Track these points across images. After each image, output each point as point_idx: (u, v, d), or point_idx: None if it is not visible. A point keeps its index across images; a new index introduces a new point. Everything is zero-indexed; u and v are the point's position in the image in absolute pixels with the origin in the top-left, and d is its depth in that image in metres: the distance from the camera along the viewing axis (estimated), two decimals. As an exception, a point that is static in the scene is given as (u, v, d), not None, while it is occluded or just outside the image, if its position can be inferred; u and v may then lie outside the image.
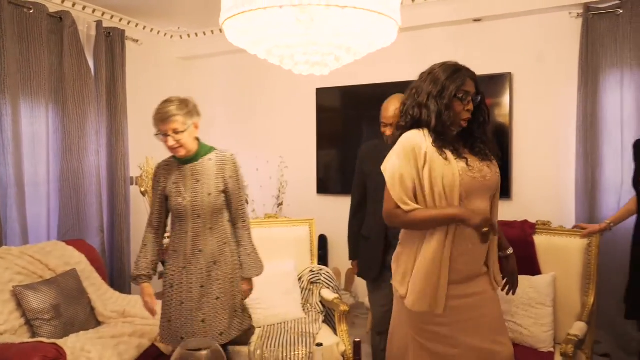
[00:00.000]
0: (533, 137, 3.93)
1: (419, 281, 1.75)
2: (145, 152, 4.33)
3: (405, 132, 1.84)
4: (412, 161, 1.76)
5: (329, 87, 4.54)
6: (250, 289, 2.51)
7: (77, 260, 3.03)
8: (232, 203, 2.46)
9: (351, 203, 2.94)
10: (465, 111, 1.84)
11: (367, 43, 1.71)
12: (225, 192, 2.44)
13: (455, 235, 1.75)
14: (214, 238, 2.41)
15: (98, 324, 2.89)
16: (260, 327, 2.90)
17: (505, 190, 3.96)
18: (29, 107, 3.71)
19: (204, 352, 1.37)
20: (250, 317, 2.51)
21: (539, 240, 2.73)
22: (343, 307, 2.82)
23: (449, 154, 1.79)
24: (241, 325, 2.43)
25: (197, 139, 2.50)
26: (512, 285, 1.95)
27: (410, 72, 4.14)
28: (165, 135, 2.36)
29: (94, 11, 4.29)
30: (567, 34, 3.72)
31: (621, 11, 3.53)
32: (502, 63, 3.96)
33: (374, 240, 2.68)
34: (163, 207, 2.52)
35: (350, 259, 2.99)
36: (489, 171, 1.86)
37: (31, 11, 3.69)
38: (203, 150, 2.49)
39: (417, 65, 4.20)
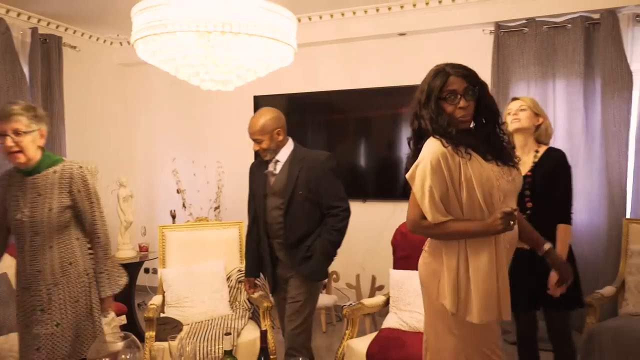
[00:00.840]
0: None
1: (482, 293, 1.69)
2: (84, 156, 4.38)
3: (419, 144, 1.81)
4: (441, 173, 1.71)
5: (268, 94, 4.71)
6: (109, 307, 2.35)
7: (9, 264, 3.08)
8: (83, 220, 2.26)
9: (248, 221, 2.91)
10: (458, 109, 1.76)
11: (265, 65, 1.90)
12: (73, 207, 2.23)
13: (501, 241, 1.73)
14: (55, 257, 2.19)
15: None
16: (188, 324, 3.04)
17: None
18: (-40, 113, 3.71)
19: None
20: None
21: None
22: (266, 304, 3.00)
23: (477, 157, 1.75)
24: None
25: (42, 149, 2.24)
26: (562, 279, 1.96)
27: (345, 80, 4.45)
28: (4, 135, 2.09)
29: (29, 18, 4.31)
30: (481, 48, 4.04)
31: (527, 29, 3.88)
32: (424, 74, 4.23)
33: (265, 254, 2.73)
34: (2, 221, 2.28)
35: (245, 276, 2.95)
36: (516, 173, 1.82)
37: (-38, 17, 3.71)
38: (47, 161, 2.23)
39: (351, 74, 4.51)
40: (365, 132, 4.61)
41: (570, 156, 3.25)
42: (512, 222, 1.65)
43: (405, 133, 4.36)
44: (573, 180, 2.61)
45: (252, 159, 4.80)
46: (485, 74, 3.97)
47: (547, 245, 1.93)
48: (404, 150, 4.38)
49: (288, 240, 2.61)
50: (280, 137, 2.66)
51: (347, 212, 2.65)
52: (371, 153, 4.59)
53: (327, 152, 2.77)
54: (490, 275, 1.69)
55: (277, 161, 2.68)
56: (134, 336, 1.91)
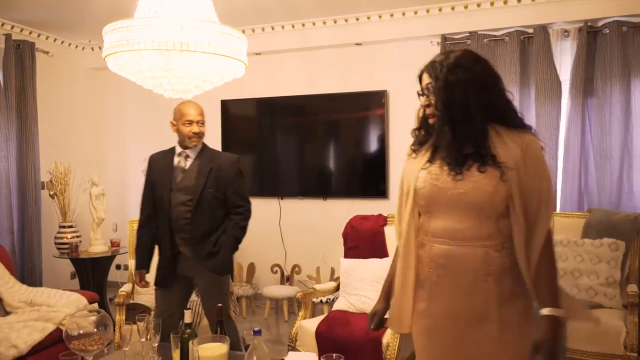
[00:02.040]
0: (405, 143, 4.58)
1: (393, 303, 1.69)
2: (57, 156, 4.60)
3: None
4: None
5: (236, 98, 4.99)
6: None
7: (-13, 262, 3.32)
8: None
9: (141, 214, 2.92)
10: (423, 107, 1.66)
11: (220, 76, 2.20)
12: None
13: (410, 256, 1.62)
14: None
15: (7, 313, 3.18)
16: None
17: (382, 191, 4.61)
18: (-63, 115, 3.91)
19: None
20: None
21: (389, 230, 3.34)
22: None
23: (422, 156, 1.63)
24: None
25: None
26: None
27: (307, 85, 4.76)
28: None
29: (2, 24, 4.51)
30: (429, 58, 4.40)
31: (470, 42, 4.26)
32: (379, 81, 4.60)
33: (164, 249, 2.76)
34: None
35: (136, 269, 2.92)
36: (471, 183, 1.47)
37: (-61, 24, 3.90)
38: None
39: (312, 79, 4.81)
40: (333, 133, 4.91)
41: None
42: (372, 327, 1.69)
43: (369, 134, 4.71)
44: None
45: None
46: (432, 81, 4.34)
47: (545, 311, 1.48)
48: (367, 150, 4.72)
49: (194, 236, 2.68)
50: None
51: (250, 212, 2.82)
52: (337, 153, 4.88)
53: (236, 155, 2.96)
54: (398, 286, 1.62)
55: (188, 156, 2.79)
56: (104, 312, 2.19)
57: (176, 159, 2.80)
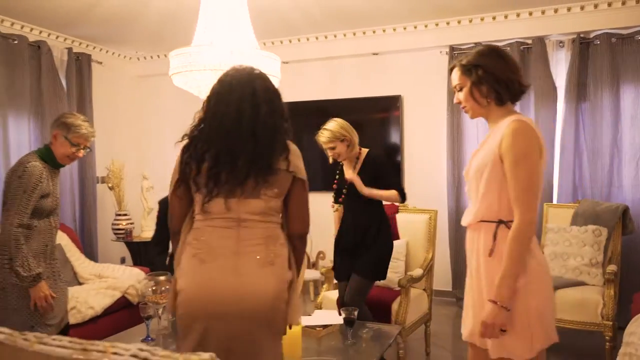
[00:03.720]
0: (418, 144, 5.12)
1: None
2: (112, 155, 5.27)
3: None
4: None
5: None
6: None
7: (62, 237, 3.96)
8: None
9: None
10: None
11: (260, 89, 2.78)
12: None
13: None
14: None
15: (79, 284, 3.83)
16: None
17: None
18: (15, 119, 4.59)
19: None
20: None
21: (400, 217, 3.86)
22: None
23: None
24: None
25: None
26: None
27: (328, 90, 5.29)
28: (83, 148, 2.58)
29: (65, 39, 5.19)
30: (439, 66, 4.93)
31: (475, 51, 4.76)
32: (394, 87, 5.13)
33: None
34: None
35: None
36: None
37: (15, 42, 4.58)
38: None
39: (333, 85, 5.34)
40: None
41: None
42: None
43: (386, 134, 5.22)
44: None
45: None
46: (441, 88, 4.87)
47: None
48: (385, 148, 5.21)
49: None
50: None
51: None
52: None
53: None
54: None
55: None
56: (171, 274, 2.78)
57: None
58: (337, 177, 3.32)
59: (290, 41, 5.39)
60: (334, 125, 3.12)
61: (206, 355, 0.90)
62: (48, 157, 2.52)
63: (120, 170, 5.01)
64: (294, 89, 5.46)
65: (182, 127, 6.15)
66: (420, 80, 5.04)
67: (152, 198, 5.03)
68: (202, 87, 2.64)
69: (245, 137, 1.66)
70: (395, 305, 3.30)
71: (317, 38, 5.27)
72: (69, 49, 5.13)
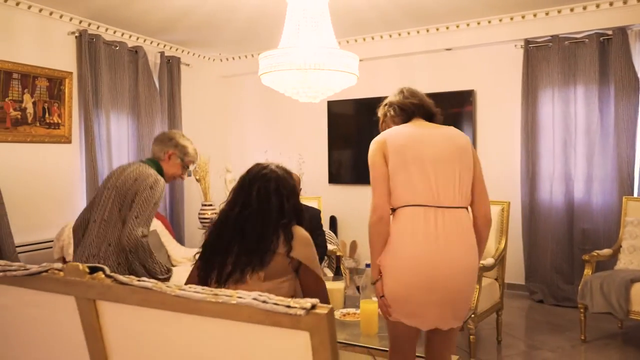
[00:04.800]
0: (490, 137, 5.15)
1: None
2: (198, 149, 5.67)
3: None
4: None
5: (340, 99, 5.79)
6: None
7: (156, 224, 4.40)
8: None
9: None
10: None
11: (339, 85, 2.99)
12: None
13: None
14: None
15: (172, 266, 4.23)
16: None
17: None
18: (116, 117, 5.10)
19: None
20: None
21: (472, 208, 3.96)
22: (338, 252, 4.10)
23: None
24: None
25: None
26: None
27: (400, 86, 5.38)
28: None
29: (158, 44, 5.67)
30: (513, 60, 4.93)
31: (551, 44, 4.73)
32: (467, 82, 5.19)
33: None
34: None
35: None
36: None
37: (117, 48, 5.09)
38: None
39: (406, 81, 5.41)
40: None
41: (587, 148, 4.17)
42: None
43: (462, 129, 5.29)
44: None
45: (327, 152, 5.95)
46: (516, 82, 4.87)
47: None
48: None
49: None
50: None
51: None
52: None
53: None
54: None
55: None
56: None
57: None
58: None
59: (364, 39, 5.57)
60: None
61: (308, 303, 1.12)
62: (160, 173, 2.52)
63: (206, 164, 5.42)
64: (367, 86, 5.63)
65: (261, 122, 6.62)
66: (494, 74, 5.07)
67: (235, 189, 5.41)
68: (287, 85, 2.90)
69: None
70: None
71: (390, 36, 5.42)
72: (161, 53, 5.61)
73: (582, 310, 3.80)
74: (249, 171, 2.05)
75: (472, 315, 3.25)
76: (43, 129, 4.50)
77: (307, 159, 5.88)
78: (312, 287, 1.99)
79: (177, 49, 5.93)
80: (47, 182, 4.51)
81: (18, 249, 4.09)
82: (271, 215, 1.93)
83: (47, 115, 4.52)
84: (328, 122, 5.97)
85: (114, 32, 5.12)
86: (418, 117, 2.28)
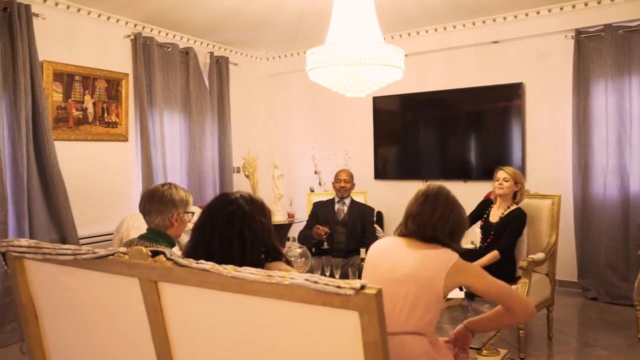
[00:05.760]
0: (540, 131, 5.03)
1: None
2: (247, 146, 5.86)
3: None
4: None
5: (385, 95, 5.79)
6: None
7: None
8: None
9: None
10: None
11: (385, 79, 3.02)
12: None
13: None
14: None
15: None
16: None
17: (521, 174, 5.06)
18: (169, 116, 5.31)
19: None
20: None
21: (522, 202, 3.89)
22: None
23: None
24: None
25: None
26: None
27: (446, 81, 5.39)
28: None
29: (207, 45, 5.86)
30: (563, 51, 4.80)
31: (604, 34, 4.58)
32: (515, 75, 5.09)
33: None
34: None
35: None
36: None
37: (169, 49, 5.29)
38: None
39: (451, 76, 5.40)
40: (472, 123, 5.48)
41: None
42: None
43: (507, 123, 5.18)
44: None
45: (372, 148, 5.96)
46: (566, 73, 4.75)
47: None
48: (505, 137, 5.20)
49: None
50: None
51: None
52: (477, 141, 5.46)
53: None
54: None
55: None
56: (305, 248, 3.15)
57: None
58: (485, 215, 3.73)
59: (409, 34, 5.56)
60: (515, 170, 3.70)
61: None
62: (168, 240, 2.34)
63: (254, 161, 5.55)
64: (413, 81, 5.63)
65: (308, 119, 6.71)
66: (544, 66, 4.95)
67: (282, 185, 5.51)
68: (334, 80, 2.96)
69: None
70: (515, 287, 3.38)
71: (436, 30, 5.39)
72: (211, 53, 5.79)
73: (639, 308, 3.68)
74: (210, 209, 1.83)
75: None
76: (102, 127, 4.75)
77: (353, 155, 5.93)
78: None
79: (225, 49, 6.10)
80: (106, 178, 4.75)
81: (81, 241, 4.34)
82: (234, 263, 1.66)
83: (105, 114, 4.77)
84: (374, 118, 5.99)
85: (166, 34, 5.33)
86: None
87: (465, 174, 5.46)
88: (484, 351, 2.79)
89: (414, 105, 5.82)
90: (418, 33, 5.50)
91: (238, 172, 5.99)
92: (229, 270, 1.34)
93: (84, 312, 1.77)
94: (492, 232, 3.60)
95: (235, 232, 1.74)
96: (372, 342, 1.16)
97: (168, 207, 2.26)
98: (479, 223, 3.79)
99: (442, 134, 5.70)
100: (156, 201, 2.27)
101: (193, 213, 2.34)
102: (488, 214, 3.72)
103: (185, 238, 4.25)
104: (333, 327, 1.22)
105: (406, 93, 5.71)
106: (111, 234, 4.43)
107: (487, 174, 5.27)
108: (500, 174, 3.62)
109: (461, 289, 2.92)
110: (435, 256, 1.96)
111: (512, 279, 3.49)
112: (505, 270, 3.47)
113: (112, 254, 1.57)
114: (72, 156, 4.46)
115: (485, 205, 3.81)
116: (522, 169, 5.06)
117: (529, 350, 3.53)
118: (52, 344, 1.93)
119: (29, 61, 4.02)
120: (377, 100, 5.93)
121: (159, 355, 1.57)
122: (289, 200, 5.83)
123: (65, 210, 4.21)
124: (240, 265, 1.62)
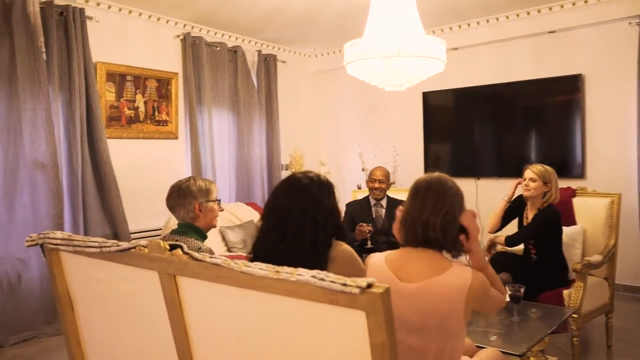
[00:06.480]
0: (602, 126, 4.72)
1: None
2: (294, 143, 5.86)
3: None
4: None
5: (436, 90, 5.63)
6: None
7: (254, 215, 4.60)
8: None
9: None
10: None
11: (425, 72, 2.91)
12: None
13: None
14: None
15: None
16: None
17: (580, 171, 4.80)
18: (217, 114, 5.40)
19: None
20: None
21: (577, 201, 3.64)
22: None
23: None
24: None
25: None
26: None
27: (499, 76, 5.15)
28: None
29: (255, 43, 5.91)
30: (627, 39, 4.48)
31: (674, 18, 4.23)
32: (574, 66, 4.80)
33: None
34: None
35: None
36: None
37: (217, 48, 5.37)
38: None
39: (506, 68, 5.15)
40: (529, 118, 5.17)
41: None
42: None
43: (566, 117, 4.90)
44: None
45: (422, 144, 5.81)
46: (630, 63, 4.43)
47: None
48: (565, 132, 4.90)
49: None
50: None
51: None
52: (534, 136, 5.15)
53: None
54: None
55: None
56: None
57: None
58: (524, 218, 3.42)
59: (459, 27, 5.37)
60: (546, 168, 3.29)
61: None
62: (199, 233, 2.34)
63: (301, 158, 5.56)
64: (464, 75, 5.45)
65: (355, 115, 6.62)
66: (605, 56, 4.64)
67: (329, 182, 5.47)
68: (372, 74, 2.88)
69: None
70: (567, 292, 3.17)
71: (487, 21, 5.17)
72: (259, 52, 5.83)
73: None
74: (282, 195, 1.85)
75: (575, 316, 3.01)
76: (153, 126, 4.89)
77: (401, 152, 5.80)
78: None
79: (273, 47, 6.13)
80: (156, 175, 4.88)
81: (132, 236, 4.49)
82: (306, 249, 1.76)
83: (156, 113, 4.91)
84: (424, 114, 5.83)
85: (215, 33, 5.41)
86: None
87: (521, 172, 5.18)
88: (531, 358, 2.64)
89: (467, 100, 5.61)
90: (469, 25, 5.31)
91: (286, 169, 6.01)
92: (240, 265, 1.31)
93: (112, 304, 1.80)
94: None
95: (308, 217, 1.77)
96: (380, 344, 1.10)
97: (187, 199, 2.29)
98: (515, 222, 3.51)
99: (497, 129, 5.44)
100: (176, 196, 2.32)
101: (219, 200, 2.38)
102: (521, 217, 3.43)
103: (228, 231, 4.31)
104: (340, 326, 1.16)
105: (458, 87, 5.52)
106: (160, 229, 4.56)
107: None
108: (527, 173, 3.28)
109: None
110: (442, 288, 1.65)
111: (564, 282, 3.27)
112: (556, 274, 3.26)
113: (134, 247, 1.59)
114: (124, 153, 4.61)
115: (522, 203, 3.45)
116: (582, 166, 4.77)
117: (584, 359, 3.31)
118: (86, 334, 1.98)
119: (83, 62, 4.19)
120: (427, 95, 5.78)
121: (179, 349, 1.57)
122: (336, 197, 5.78)
123: (117, 205, 4.36)
124: (313, 248, 1.76)
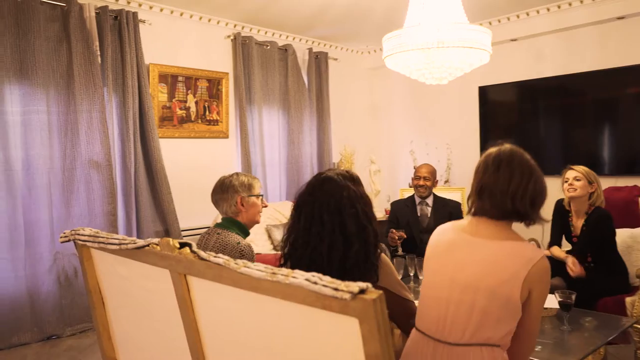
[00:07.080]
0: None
1: None
2: (344, 141, 5.79)
3: None
4: None
5: (495, 84, 5.36)
6: None
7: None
8: None
9: None
10: None
11: (468, 64, 2.74)
12: None
13: None
14: None
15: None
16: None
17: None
18: (267, 113, 5.42)
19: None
20: None
21: (645, 201, 3.34)
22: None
23: None
24: None
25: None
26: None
27: (564, 67, 4.81)
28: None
29: (306, 41, 5.88)
30: None
31: None
32: (646, 54, 4.41)
33: None
34: None
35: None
36: None
37: (268, 47, 5.39)
38: None
39: (570, 60, 4.80)
40: (599, 111, 4.79)
41: None
42: None
43: (635, 112, 4.51)
44: None
45: (478, 141, 5.55)
46: None
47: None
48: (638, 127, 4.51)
49: None
50: None
51: None
52: (606, 131, 4.76)
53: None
54: None
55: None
56: (384, 245, 2.98)
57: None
58: (570, 227, 3.21)
59: (517, 17, 5.09)
60: (591, 170, 3.17)
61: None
62: (242, 228, 2.37)
63: (351, 156, 5.48)
64: (525, 67, 5.15)
65: (408, 112, 6.41)
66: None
67: (379, 181, 5.37)
68: (411, 66, 2.76)
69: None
70: (631, 299, 2.90)
71: (548, 9, 4.86)
72: (310, 49, 5.80)
73: None
74: (317, 194, 1.85)
75: (637, 326, 2.75)
76: (204, 125, 4.98)
77: (455, 149, 5.58)
78: (396, 309, 1.82)
79: (324, 44, 6.09)
80: (207, 174, 4.94)
81: (183, 233, 4.59)
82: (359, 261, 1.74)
83: (207, 112, 4.99)
84: (480, 109, 5.57)
85: (265, 32, 5.44)
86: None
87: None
88: (586, 370, 2.42)
89: (530, 94, 5.25)
90: (528, 14, 5.01)
91: (338, 166, 5.95)
92: (239, 265, 1.26)
93: (135, 301, 1.82)
94: (575, 248, 3.13)
95: (352, 212, 1.76)
96: (374, 354, 1.01)
97: (229, 193, 2.32)
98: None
99: (565, 123, 5.04)
100: (219, 190, 2.36)
101: (261, 195, 2.41)
102: (568, 228, 3.18)
103: (274, 229, 4.32)
104: (334, 334, 1.09)
105: (520, 80, 5.20)
106: (209, 227, 4.63)
107: (620, 169, 4.61)
108: (570, 173, 3.09)
109: (552, 292, 2.56)
110: (511, 252, 1.62)
111: (626, 289, 3.00)
112: (615, 279, 3.00)
113: (147, 245, 1.58)
114: (176, 153, 4.73)
115: (562, 212, 3.22)
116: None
117: (651, 373, 3.02)
118: (116, 329, 2.02)
119: (136, 64, 4.33)
120: (484, 90, 5.51)
121: (192, 347, 1.56)
122: (387, 195, 5.65)
123: (168, 203, 4.47)
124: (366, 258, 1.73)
